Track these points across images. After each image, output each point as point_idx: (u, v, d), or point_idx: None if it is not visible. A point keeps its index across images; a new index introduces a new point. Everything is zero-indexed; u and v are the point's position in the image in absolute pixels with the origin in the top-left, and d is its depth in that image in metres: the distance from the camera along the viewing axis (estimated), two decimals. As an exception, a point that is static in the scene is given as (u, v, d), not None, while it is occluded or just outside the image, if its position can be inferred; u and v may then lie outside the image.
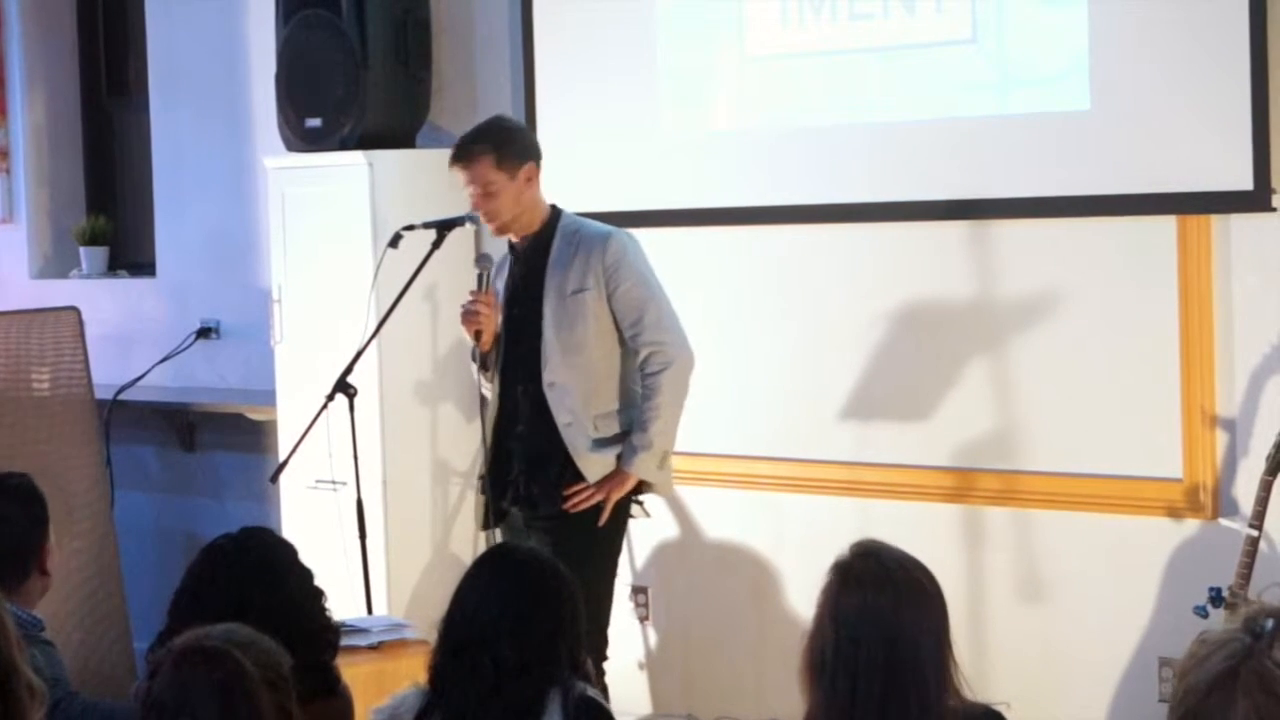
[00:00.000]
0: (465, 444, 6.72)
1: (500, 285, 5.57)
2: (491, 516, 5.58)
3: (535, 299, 5.46)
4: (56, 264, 8.38)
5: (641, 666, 6.50)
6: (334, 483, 6.26)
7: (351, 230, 6.59)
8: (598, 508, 5.40)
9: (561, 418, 5.41)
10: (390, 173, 6.60)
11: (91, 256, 8.19)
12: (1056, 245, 5.61)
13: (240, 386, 7.52)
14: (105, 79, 8.46)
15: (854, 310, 5.99)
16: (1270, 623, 2.30)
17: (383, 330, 5.97)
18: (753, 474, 6.20)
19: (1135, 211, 5.45)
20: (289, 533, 6.25)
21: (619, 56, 6.41)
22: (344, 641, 4.29)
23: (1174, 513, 5.44)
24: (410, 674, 4.10)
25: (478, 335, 5.51)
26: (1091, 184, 5.50)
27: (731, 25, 6.17)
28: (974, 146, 5.72)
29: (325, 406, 5.87)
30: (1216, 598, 5.04)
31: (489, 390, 5.60)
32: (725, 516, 6.32)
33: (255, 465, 7.35)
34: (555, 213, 5.54)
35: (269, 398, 7.00)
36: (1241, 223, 5.29)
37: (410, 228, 5.81)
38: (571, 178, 6.26)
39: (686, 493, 6.24)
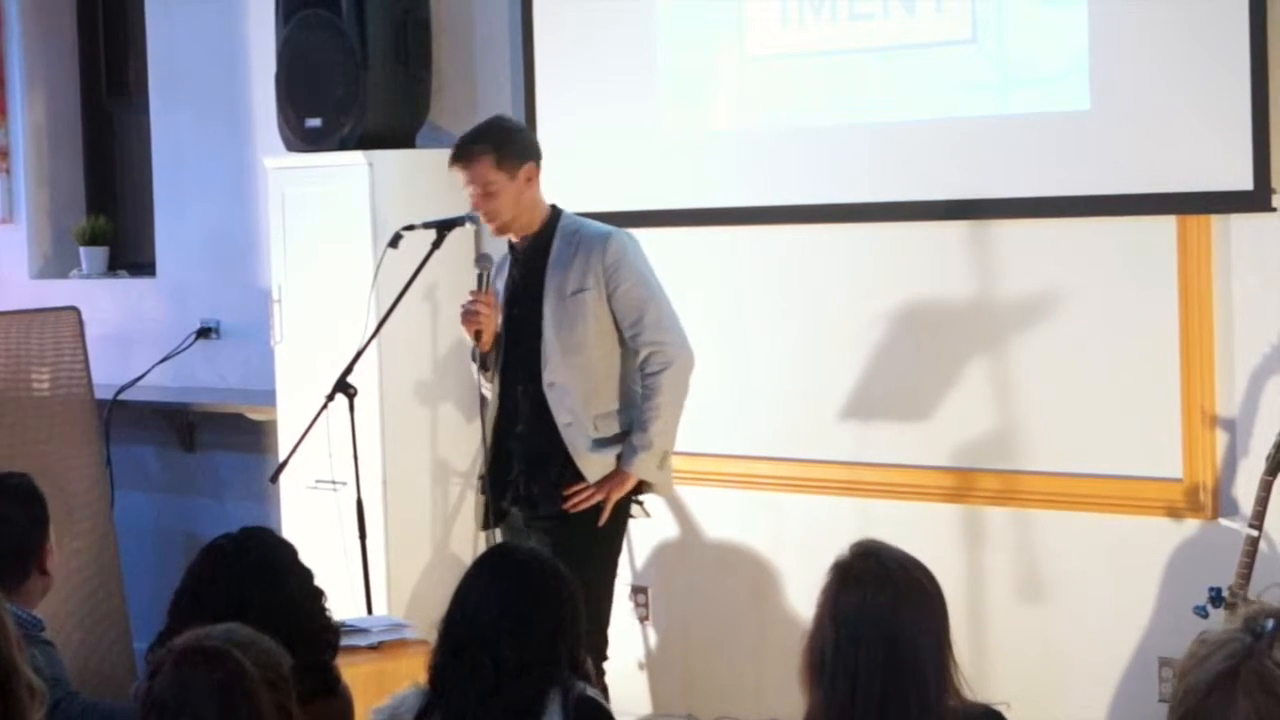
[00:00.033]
0: (465, 444, 6.72)
1: (500, 285, 5.57)
2: (491, 516, 5.58)
3: (535, 299, 5.46)
4: (56, 264, 8.38)
5: (641, 666, 6.50)
6: (334, 483, 6.26)
7: (351, 230, 6.59)
8: (598, 508, 5.40)
9: (561, 418, 5.41)
10: (390, 173, 6.60)
11: (91, 256, 8.19)
12: (1056, 245, 5.61)
13: (240, 386, 7.52)
14: (105, 79, 8.46)
15: (854, 310, 5.99)
16: (1270, 623, 2.30)
17: (383, 330, 5.97)
18: (753, 474, 6.20)
19: (1135, 211, 5.45)
20: (289, 533, 6.25)
21: (619, 56, 6.41)
22: (344, 641, 4.29)
23: (1174, 513, 5.44)
24: (410, 674, 4.10)
25: (478, 335, 5.51)
26: (1091, 184, 5.50)
27: (731, 25, 6.17)
28: (974, 146, 5.72)
29: (325, 406, 5.87)
30: (1216, 598, 5.04)
31: (489, 390, 5.60)
32: (725, 516, 6.31)
33: (255, 465, 7.35)
34: (555, 213, 5.54)
35: (269, 398, 7.00)
36: (1241, 223, 5.29)
37: (410, 228, 5.81)
38: (571, 178, 6.26)
39: (686, 493, 6.24)
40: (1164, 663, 5.40)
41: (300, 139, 6.79)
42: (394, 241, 5.83)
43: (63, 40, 8.41)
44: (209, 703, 2.87)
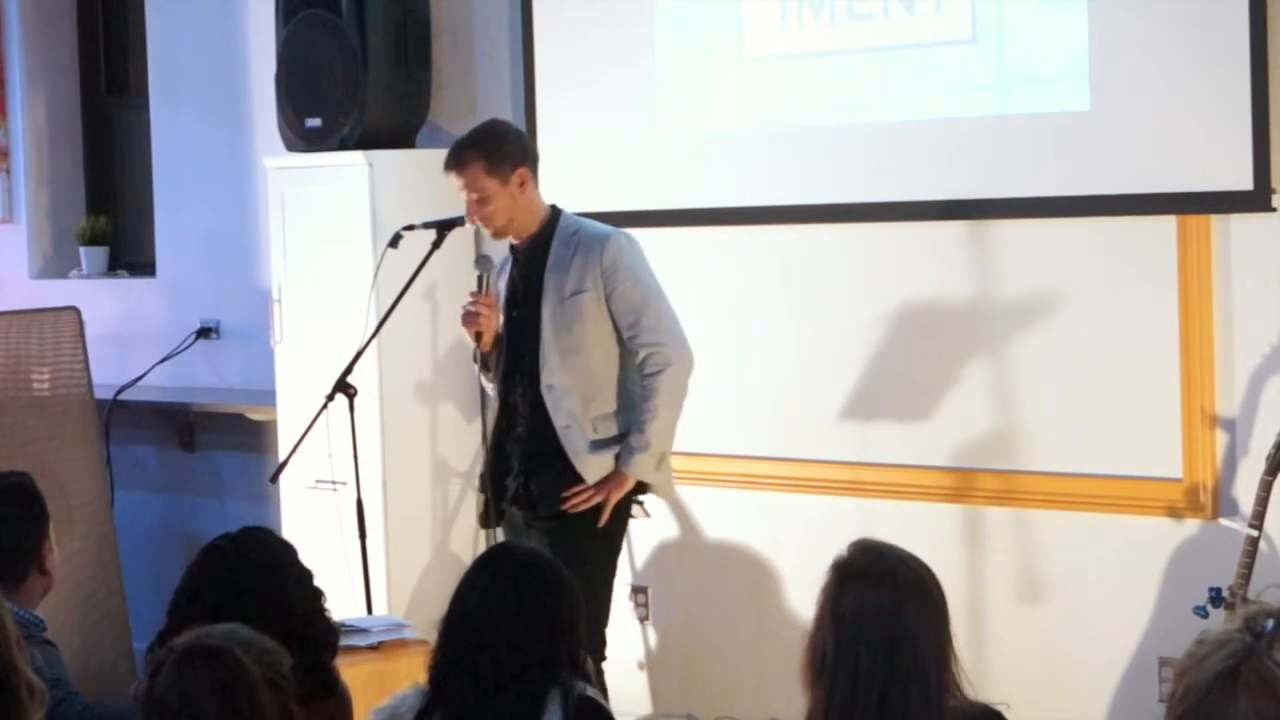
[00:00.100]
0: (465, 444, 6.73)
1: (502, 286, 5.57)
2: (493, 516, 5.59)
3: (534, 301, 5.46)
4: (56, 264, 8.38)
5: (641, 666, 6.50)
6: (334, 483, 6.26)
7: (351, 230, 6.59)
8: (597, 508, 5.40)
9: (559, 420, 5.41)
10: (390, 173, 6.60)
11: (91, 256, 8.19)
12: (1056, 245, 5.61)
13: (240, 386, 7.52)
14: (105, 79, 8.47)
15: (854, 310, 5.99)
16: (1270, 623, 2.29)
17: (383, 330, 5.97)
18: (753, 474, 6.20)
19: (1135, 211, 5.45)
20: (289, 533, 6.25)
21: (619, 57, 6.41)
22: (344, 641, 4.29)
23: (1174, 513, 5.44)
24: (410, 674, 4.11)
25: (478, 337, 5.51)
26: (1091, 184, 5.50)
27: (731, 26, 6.17)
28: (973, 146, 5.72)
29: (325, 406, 5.87)
30: (1216, 598, 5.04)
31: (492, 389, 5.61)
32: (725, 516, 6.32)
33: (255, 465, 7.35)
34: (555, 213, 5.54)
35: (269, 398, 7.00)
36: (1241, 223, 5.29)
37: (410, 228, 5.81)
38: (571, 177, 6.26)
39: (686, 493, 6.24)
40: (1164, 663, 5.40)
41: (300, 139, 6.79)
42: (394, 241, 5.83)
43: (63, 40, 8.41)
44: (210, 702, 2.87)
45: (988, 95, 5.75)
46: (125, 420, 7.51)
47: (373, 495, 6.36)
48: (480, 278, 5.53)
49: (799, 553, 6.05)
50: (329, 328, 6.57)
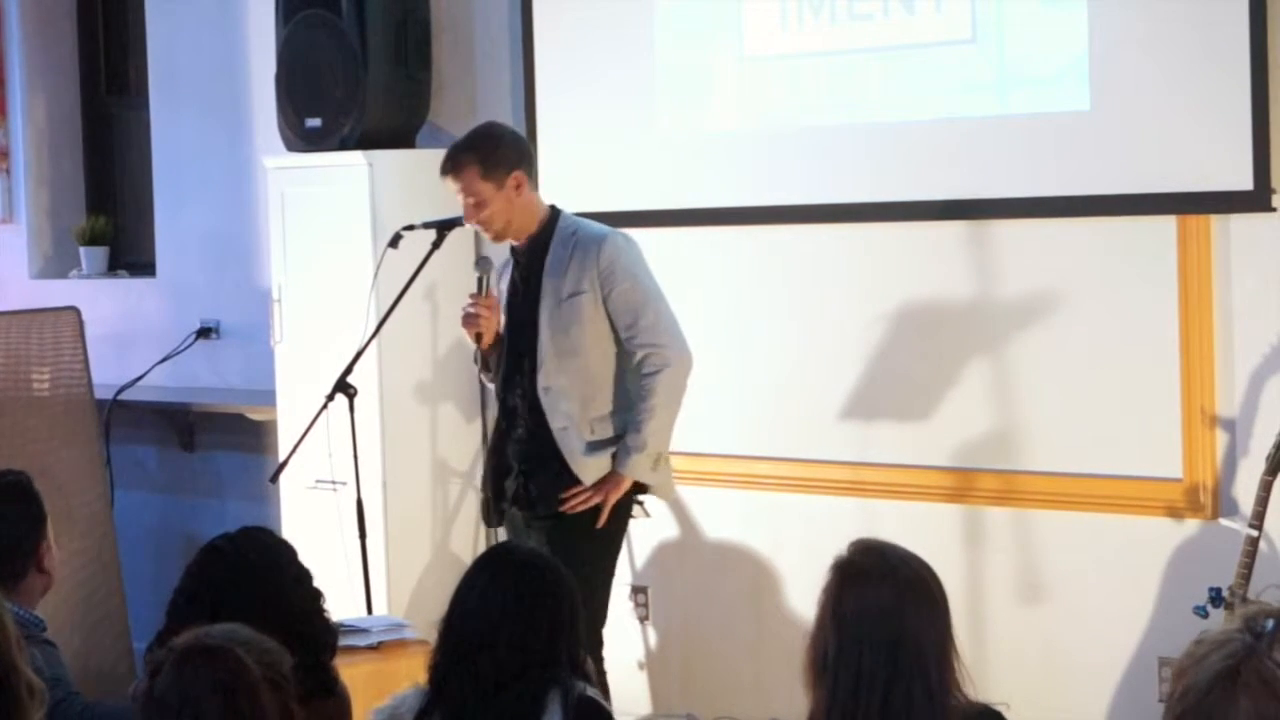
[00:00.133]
0: (465, 444, 6.73)
1: (504, 287, 5.57)
2: (493, 516, 5.60)
3: (533, 303, 5.46)
4: (56, 264, 8.38)
5: (641, 666, 6.50)
6: (334, 483, 6.26)
7: (351, 230, 6.59)
8: (597, 508, 5.40)
9: (556, 422, 5.41)
10: (390, 173, 6.60)
11: (91, 256, 8.19)
12: (1056, 245, 5.61)
13: (240, 386, 7.52)
14: (105, 79, 8.47)
15: (854, 310, 5.99)
16: (1270, 623, 2.30)
17: (383, 330, 5.97)
18: (753, 474, 6.20)
19: (1135, 211, 5.45)
20: (289, 533, 6.25)
21: (619, 57, 6.41)
22: (344, 641, 4.29)
23: (1174, 513, 5.44)
24: (410, 674, 4.11)
25: (478, 338, 5.52)
26: (1091, 184, 5.50)
27: (731, 25, 6.17)
28: (973, 146, 5.72)
29: (325, 406, 5.87)
30: (1216, 598, 5.04)
31: (494, 390, 5.61)
32: (725, 516, 6.31)
33: (255, 465, 7.35)
34: (554, 214, 5.53)
35: (269, 398, 7.00)
36: (1241, 223, 5.29)
37: (410, 228, 5.81)
38: (571, 177, 6.27)
39: (686, 493, 6.24)
40: (1164, 663, 5.39)
41: (300, 139, 6.79)
42: (394, 241, 5.83)
43: (63, 40, 8.41)
44: (211, 701, 2.87)
45: (988, 95, 5.75)
46: (125, 420, 7.51)
47: (373, 495, 6.36)
48: (480, 279, 5.53)
49: (799, 553, 6.05)
50: (329, 328, 6.57)
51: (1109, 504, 5.53)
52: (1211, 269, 5.33)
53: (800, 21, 6.03)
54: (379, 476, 6.51)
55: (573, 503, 5.39)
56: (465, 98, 6.83)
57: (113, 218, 8.32)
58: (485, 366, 5.61)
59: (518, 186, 5.44)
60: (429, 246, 5.72)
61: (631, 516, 5.56)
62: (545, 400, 5.41)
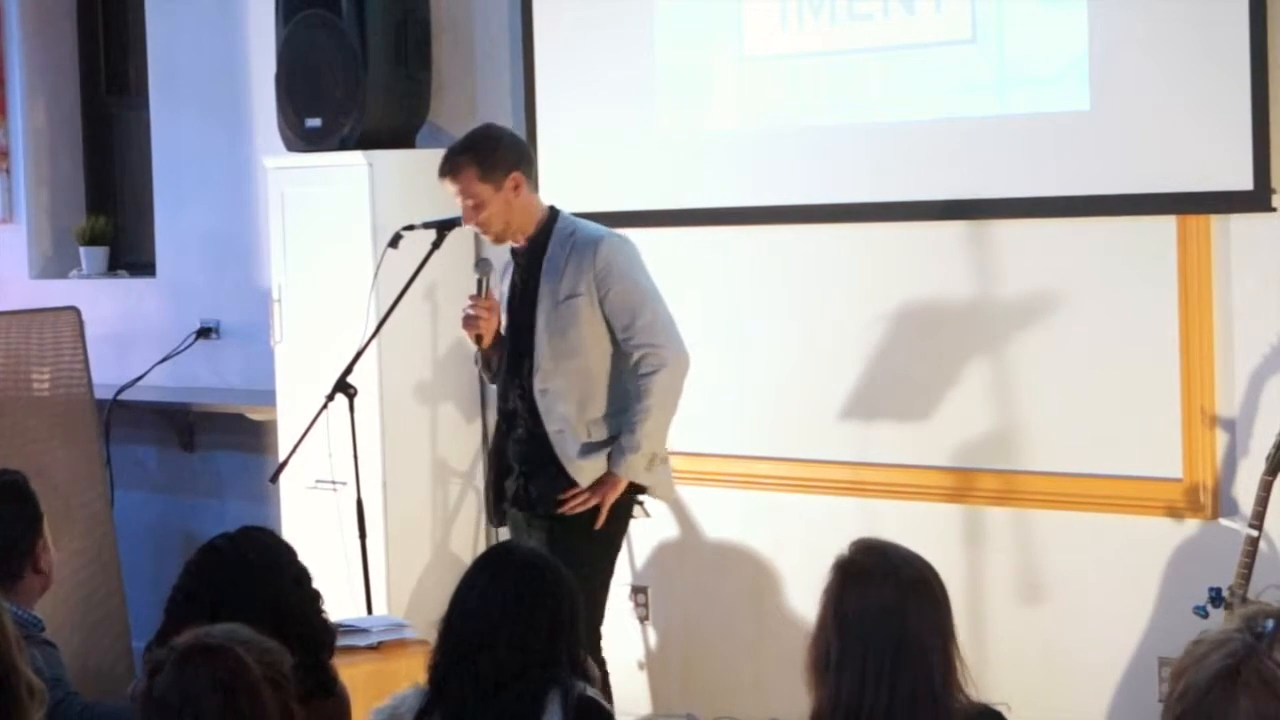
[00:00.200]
0: (465, 444, 6.73)
1: (505, 288, 5.57)
2: (494, 516, 5.61)
3: (531, 305, 5.46)
4: (56, 264, 8.38)
5: (641, 666, 6.50)
6: (334, 483, 6.26)
7: (351, 230, 6.59)
8: (596, 509, 5.40)
9: (551, 425, 5.41)
10: (390, 173, 6.60)
11: (91, 256, 8.19)
12: (1056, 245, 5.61)
13: (240, 386, 7.52)
14: (105, 79, 8.46)
15: (854, 310, 5.98)
16: (1270, 623, 2.30)
17: (383, 330, 5.98)
18: (753, 474, 6.20)
19: (1135, 211, 5.45)
20: (289, 533, 6.25)
21: (618, 57, 6.41)
22: (344, 641, 4.29)
23: (1174, 513, 5.44)
24: (410, 674, 4.11)
25: (478, 339, 5.52)
26: (1091, 184, 5.50)
27: (731, 25, 6.17)
28: (973, 146, 5.72)
29: (325, 406, 5.87)
30: (1216, 598, 5.04)
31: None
32: (725, 516, 6.31)
33: (255, 465, 7.35)
34: (553, 215, 5.53)
35: (269, 398, 7.00)
36: (1241, 223, 5.29)
37: (410, 228, 5.81)
38: (571, 178, 6.27)
39: (686, 493, 6.24)
40: (1164, 663, 5.39)
41: (300, 139, 6.79)
42: (394, 241, 5.83)
43: (63, 40, 8.41)
44: (211, 701, 2.87)
45: (988, 95, 5.75)
46: (125, 420, 7.51)
47: (373, 495, 6.36)
48: (480, 281, 5.53)
49: (799, 553, 6.05)
50: (329, 328, 6.57)
51: (1109, 504, 5.53)
52: (1211, 269, 5.33)
53: (800, 21, 6.03)
54: (379, 476, 6.51)
55: (570, 504, 5.39)
56: (465, 98, 6.83)
57: (113, 218, 8.32)
58: (486, 367, 5.61)
59: (516, 188, 5.44)
60: (429, 246, 5.72)
61: (631, 517, 5.56)
62: (541, 402, 5.41)
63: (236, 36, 7.50)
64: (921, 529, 5.62)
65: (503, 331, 5.53)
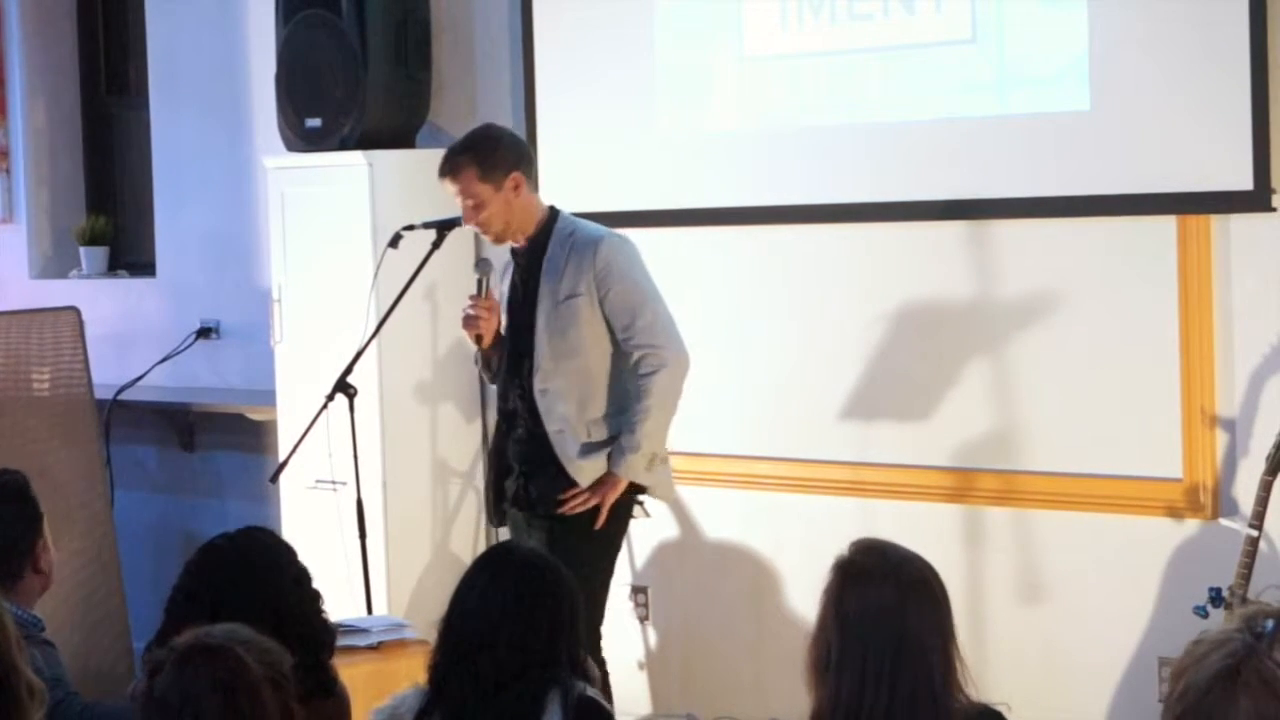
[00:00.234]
0: (465, 444, 6.73)
1: (506, 288, 5.57)
2: (494, 516, 5.61)
3: (531, 305, 5.46)
4: (56, 264, 8.38)
5: (641, 666, 6.50)
6: (334, 483, 6.26)
7: (351, 230, 6.59)
8: (596, 509, 5.40)
9: (551, 425, 5.41)
10: (390, 173, 6.60)
11: (91, 256, 8.19)
12: (1056, 245, 5.61)
13: (240, 386, 7.52)
14: (105, 79, 8.47)
15: (854, 310, 5.99)
16: (1270, 623, 2.30)
17: (383, 330, 5.98)
18: (753, 474, 6.20)
19: (1135, 211, 5.45)
20: (289, 533, 6.25)
21: (618, 57, 6.41)
22: (344, 641, 4.29)
23: (1174, 513, 5.44)
24: (410, 674, 4.11)
25: (478, 339, 5.52)
26: (1091, 184, 5.50)
27: (731, 25, 6.17)
28: (973, 146, 5.72)
29: (325, 406, 5.87)
30: (1216, 598, 5.04)
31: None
32: (725, 516, 6.31)
33: (255, 465, 7.35)
34: (553, 215, 5.53)
35: (269, 398, 7.00)
36: (1241, 223, 5.29)
37: (410, 228, 5.81)
38: (571, 178, 6.27)
39: (686, 493, 6.24)
40: (1164, 663, 5.39)
41: (300, 139, 6.79)
42: (394, 241, 5.83)
43: (63, 40, 8.41)
44: (211, 701, 2.87)
45: (988, 95, 5.75)
46: (125, 420, 7.51)
47: (373, 495, 6.36)
48: (480, 281, 5.53)
49: (799, 553, 6.05)
50: (329, 328, 6.57)
51: (1109, 504, 5.53)
52: (1211, 269, 5.33)
53: (800, 21, 6.03)
54: (379, 476, 6.51)
55: (570, 504, 5.39)
56: (465, 98, 6.83)
57: (113, 218, 8.32)
58: (486, 367, 5.61)
59: (516, 188, 5.44)
60: (429, 246, 5.72)
61: (631, 517, 5.56)
62: (541, 403, 5.41)
63: (236, 36, 7.50)
64: (921, 529, 5.62)
65: (503, 331, 5.54)
